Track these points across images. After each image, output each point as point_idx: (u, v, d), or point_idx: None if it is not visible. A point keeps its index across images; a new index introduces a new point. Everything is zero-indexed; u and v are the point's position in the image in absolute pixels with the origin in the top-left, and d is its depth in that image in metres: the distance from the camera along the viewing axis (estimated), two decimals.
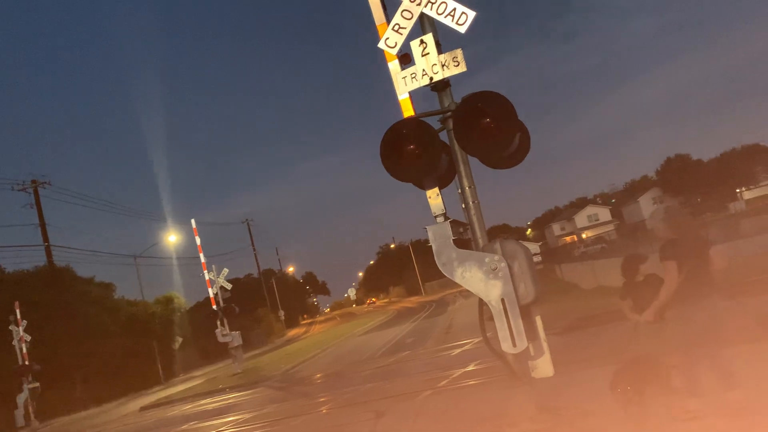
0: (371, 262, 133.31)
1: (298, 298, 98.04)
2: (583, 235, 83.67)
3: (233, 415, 14.16)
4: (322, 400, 13.11)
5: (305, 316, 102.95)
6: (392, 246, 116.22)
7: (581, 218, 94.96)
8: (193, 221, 28.09)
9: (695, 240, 4.92)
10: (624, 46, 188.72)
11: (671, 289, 4.87)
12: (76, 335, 30.69)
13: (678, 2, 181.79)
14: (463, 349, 15.35)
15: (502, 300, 4.84)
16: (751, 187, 79.19)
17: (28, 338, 24.58)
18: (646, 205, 79.48)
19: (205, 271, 26.92)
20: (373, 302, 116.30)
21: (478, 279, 4.96)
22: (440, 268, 5.19)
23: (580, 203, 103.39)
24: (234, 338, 26.32)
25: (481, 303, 5.23)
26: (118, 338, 34.10)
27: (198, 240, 27.49)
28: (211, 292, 26.78)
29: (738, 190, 77.59)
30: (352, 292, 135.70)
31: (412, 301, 69.61)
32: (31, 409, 23.57)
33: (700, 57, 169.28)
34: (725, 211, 62.82)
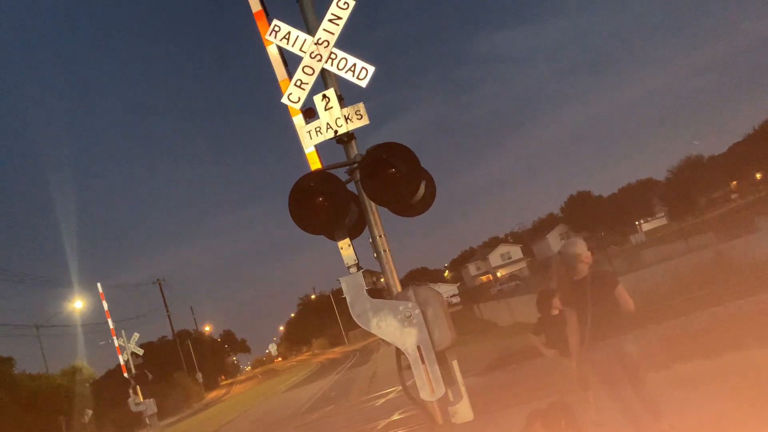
0: (292, 315, 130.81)
1: (216, 359, 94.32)
2: (498, 274, 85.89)
3: None
4: None
5: (223, 377, 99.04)
6: (313, 297, 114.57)
7: (495, 257, 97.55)
8: (99, 285, 26.70)
9: (594, 279, 4.99)
10: (522, 91, 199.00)
11: (574, 338, 4.97)
12: None
13: (569, 48, 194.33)
14: (387, 398, 15.20)
15: (418, 347, 4.83)
16: (648, 219, 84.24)
17: None
18: (554, 241, 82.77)
19: (114, 338, 25.52)
20: (279, 360, 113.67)
21: (394, 328, 4.94)
22: (355, 319, 5.13)
23: (493, 242, 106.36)
24: (148, 406, 24.90)
25: (399, 352, 5.21)
26: (20, 416, 31.51)
27: (105, 305, 26.09)
28: (121, 359, 25.36)
29: (637, 223, 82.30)
30: (273, 348, 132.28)
31: (336, 352, 68.63)
32: None
33: (593, 98, 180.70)
34: (627, 243, 66.33)
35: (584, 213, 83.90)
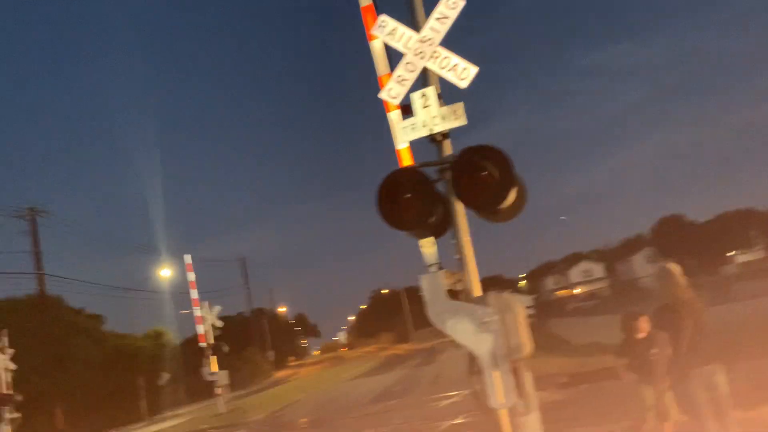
0: (363, 306, 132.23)
1: (287, 339, 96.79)
2: (577, 290, 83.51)
3: None
4: None
5: (292, 358, 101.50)
6: (384, 291, 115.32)
7: (575, 273, 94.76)
8: (187, 257, 27.99)
9: (692, 304, 4.88)
10: (619, 107, 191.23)
11: (663, 360, 4.84)
12: (62, 366, 30.21)
13: (674, 68, 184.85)
14: (451, 400, 15.13)
15: (492, 354, 4.80)
16: (744, 251, 79.44)
17: (14, 367, 24.08)
18: (640, 263, 79.53)
19: (197, 308, 26.66)
20: (344, 349, 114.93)
21: (469, 332, 4.92)
22: (431, 319, 5.15)
23: (574, 258, 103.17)
24: (220, 377, 25.89)
25: (471, 356, 5.19)
26: (104, 371, 33.55)
27: (191, 276, 27.34)
28: (200, 328, 26.45)
29: (731, 254, 77.81)
30: (342, 336, 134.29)
31: (402, 349, 68.81)
32: None
33: (694, 120, 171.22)
34: (718, 273, 62.86)
35: (675, 237, 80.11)
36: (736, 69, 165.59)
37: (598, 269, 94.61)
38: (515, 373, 4.80)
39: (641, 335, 6.15)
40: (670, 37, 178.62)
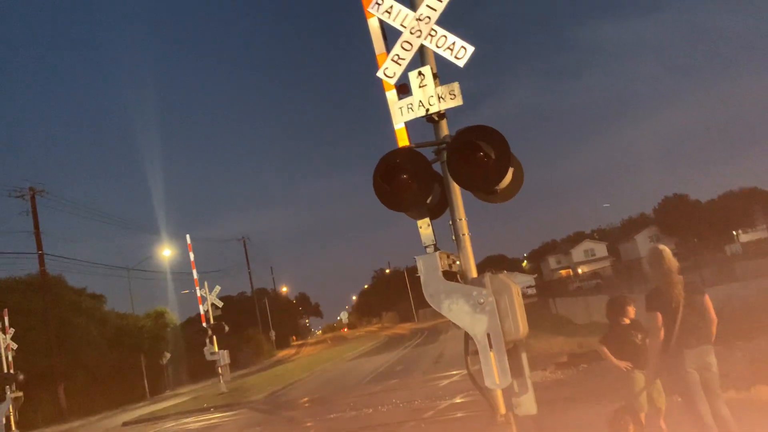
0: (366, 286, 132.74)
1: (289, 319, 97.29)
2: (579, 270, 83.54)
3: None
4: (307, 425, 12.96)
5: (295, 337, 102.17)
6: (387, 271, 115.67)
7: (578, 253, 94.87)
8: (188, 237, 27.98)
9: (685, 286, 4.87)
10: (626, 85, 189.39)
11: (655, 342, 4.83)
12: (64, 346, 30.42)
13: (684, 45, 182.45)
14: (451, 380, 15.23)
15: (488, 335, 4.79)
16: (748, 230, 79.26)
17: (15, 346, 24.30)
18: (643, 242, 79.49)
19: (197, 288, 26.74)
20: (345, 330, 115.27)
21: (465, 312, 4.91)
22: (427, 300, 5.13)
23: (577, 237, 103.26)
24: (222, 357, 26.03)
25: (467, 336, 5.18)
26: (106, 351, 33.78)
27: (192, 256, 27.37)
28: (201, 308, 26.56)
29: (735, 233, 77.67)
30: (344, 316, 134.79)
31: (405, 328, 69.18)
32: (12, 420, 23.21)
33: (701, 99, 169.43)
34: (721, 253, 62.75)
35: (678, 217, 79.99)
36: (745, 47, 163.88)
37: (600, 249, 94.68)
38: (510, 353, 4.79)
39: (626, 321, 6.11)
40: (678, 15, 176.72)
